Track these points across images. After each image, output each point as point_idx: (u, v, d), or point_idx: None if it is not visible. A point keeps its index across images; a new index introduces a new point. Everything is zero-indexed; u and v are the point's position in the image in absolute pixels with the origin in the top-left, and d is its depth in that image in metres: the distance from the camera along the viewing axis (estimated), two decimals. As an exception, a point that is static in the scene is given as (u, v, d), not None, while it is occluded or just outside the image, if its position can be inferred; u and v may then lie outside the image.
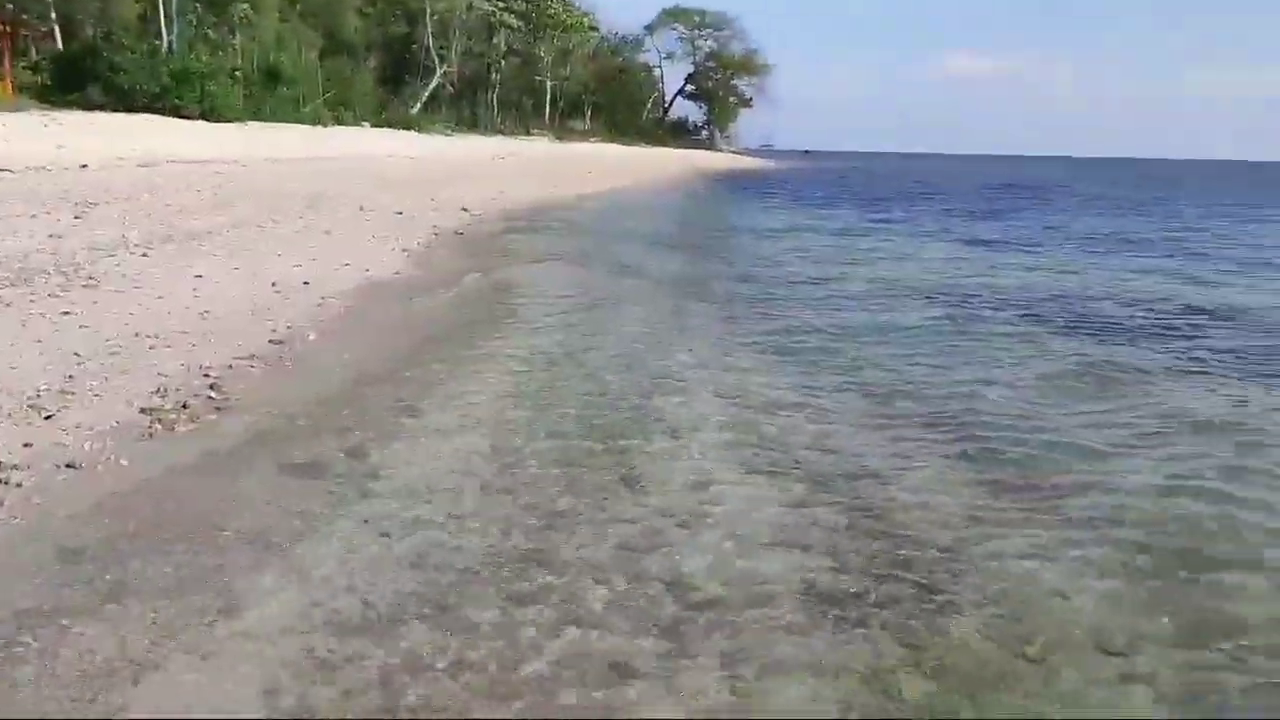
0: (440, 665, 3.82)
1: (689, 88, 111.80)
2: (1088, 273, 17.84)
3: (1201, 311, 13.25)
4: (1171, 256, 21.24)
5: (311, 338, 8.91)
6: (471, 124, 69.36)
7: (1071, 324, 12.09)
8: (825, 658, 4.00)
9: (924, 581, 4.66)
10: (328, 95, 54.06)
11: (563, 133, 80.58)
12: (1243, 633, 4.30)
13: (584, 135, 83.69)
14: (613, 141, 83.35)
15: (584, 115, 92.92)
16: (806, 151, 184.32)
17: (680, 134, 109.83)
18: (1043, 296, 14.40)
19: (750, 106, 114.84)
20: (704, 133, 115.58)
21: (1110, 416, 7.72)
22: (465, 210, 22.92)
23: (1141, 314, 13.02)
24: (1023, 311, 13.03)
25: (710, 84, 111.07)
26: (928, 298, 14.08)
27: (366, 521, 5.08)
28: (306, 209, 19.15)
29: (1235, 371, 9.51)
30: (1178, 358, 10.08)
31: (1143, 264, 19.44)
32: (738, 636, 4.13)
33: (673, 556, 4.86)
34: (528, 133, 74.68)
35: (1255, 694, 3.86)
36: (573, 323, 10.93)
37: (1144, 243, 24.50)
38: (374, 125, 55.65)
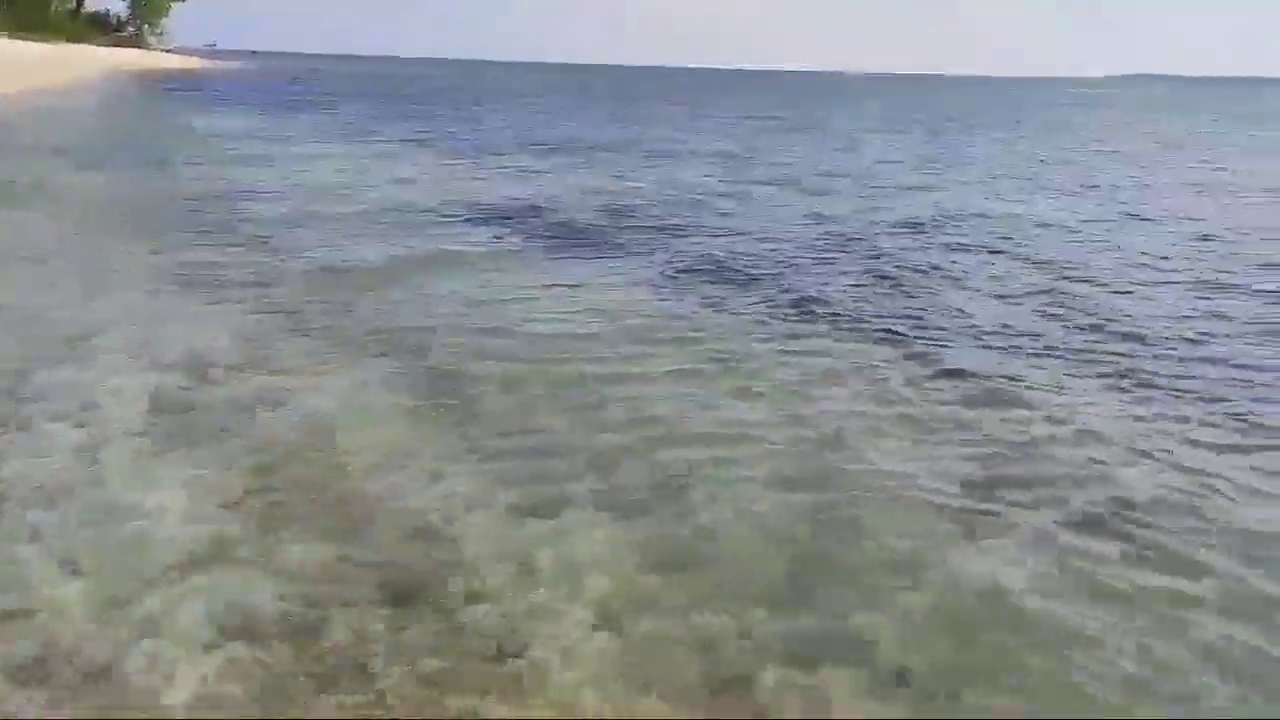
0: None
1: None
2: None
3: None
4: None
5: None
6: None
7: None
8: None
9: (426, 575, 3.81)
10: None
11: (-58, 24, 66.67)
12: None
13: (-28, 28, 69.95)
14: (14, 37, 70.67)
15: (-30, 4, 77.65)
16: (254, 52, 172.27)
17: (102, 30, 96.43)
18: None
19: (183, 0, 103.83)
20: (130, 29, 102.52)
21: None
22: None
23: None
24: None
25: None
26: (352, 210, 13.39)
27: None
28: None
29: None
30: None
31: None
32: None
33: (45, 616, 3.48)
34: (-109, 23, 60.71)
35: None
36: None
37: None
38: None
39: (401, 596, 3.71)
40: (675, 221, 13.25)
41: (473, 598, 3.71)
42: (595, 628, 3.56)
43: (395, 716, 3.07)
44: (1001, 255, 11.36)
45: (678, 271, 9.93)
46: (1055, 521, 4.50)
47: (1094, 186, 18.96)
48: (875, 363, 6.90)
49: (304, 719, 3.03)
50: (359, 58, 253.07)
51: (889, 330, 7.78)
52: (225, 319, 7.46)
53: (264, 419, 5.39)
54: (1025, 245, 11.99)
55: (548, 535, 4.20)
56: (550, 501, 4.51)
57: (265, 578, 3.79)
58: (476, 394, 5.94)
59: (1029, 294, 9.25)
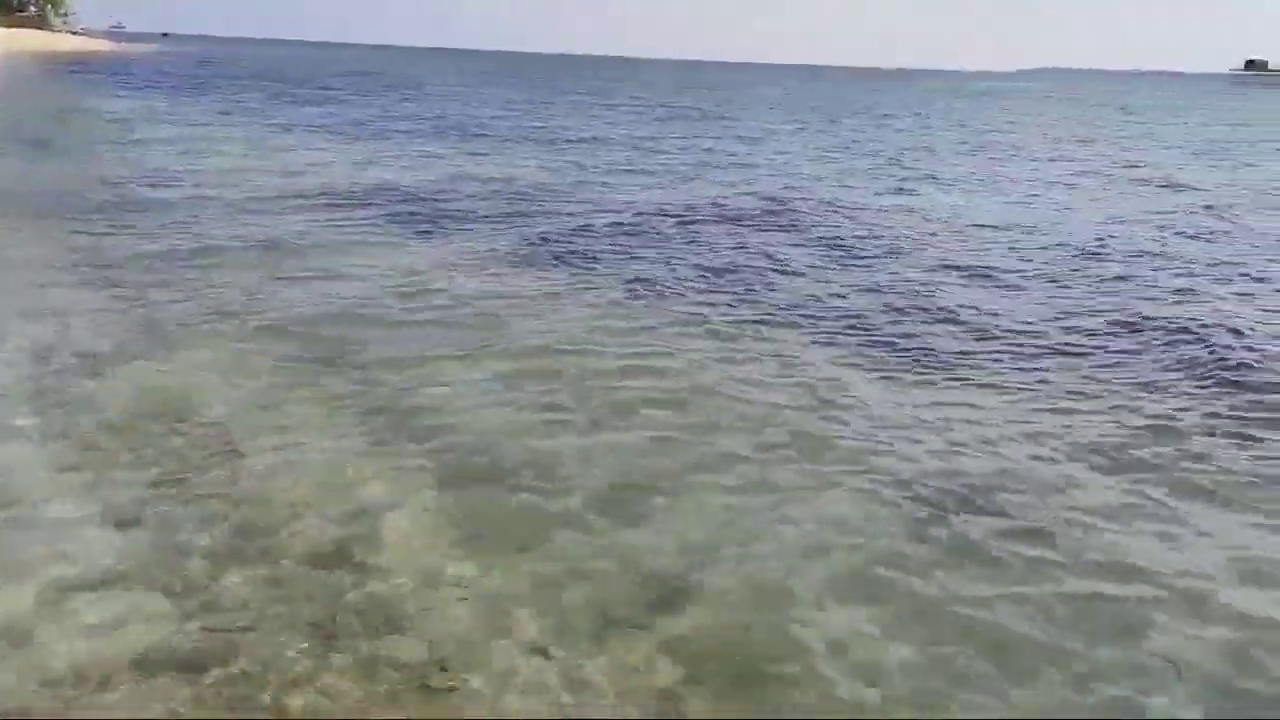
0: None
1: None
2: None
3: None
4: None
5: None
6: None
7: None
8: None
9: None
10: None
11: None
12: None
13: None
14: (-95, 16, 67.90)
15: None
16: (165, 34, 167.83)
17: (2, 10, 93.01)
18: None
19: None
20: (32, 9, 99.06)
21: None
22: None
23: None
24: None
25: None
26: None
27: None
28: None
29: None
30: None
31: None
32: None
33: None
34: None
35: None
36: None
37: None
38: None
39: (287, 580, 3.82)
40: (564, 208, 13.61)
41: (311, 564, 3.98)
42: (454, 613, 3.68)
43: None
44: (869, 244, 11.71)
45: (555, 257, 10.31)
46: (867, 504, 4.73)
47: (986, 177, 19.62)
48: (725, 350, 7.23)
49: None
50: (310, 44, 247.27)
51: (740, 318, 8.12)
52: (113, 306, 7.53)
53: (153, 417, 5.38)
54: (903, 236, 12.37)
55: (406, 519, 4.36)
56: (414, 483, 4.71)
57: (165, 598, 3.66)
58: (368, 380, 6.13)
59: (889, 284, 9.57)
